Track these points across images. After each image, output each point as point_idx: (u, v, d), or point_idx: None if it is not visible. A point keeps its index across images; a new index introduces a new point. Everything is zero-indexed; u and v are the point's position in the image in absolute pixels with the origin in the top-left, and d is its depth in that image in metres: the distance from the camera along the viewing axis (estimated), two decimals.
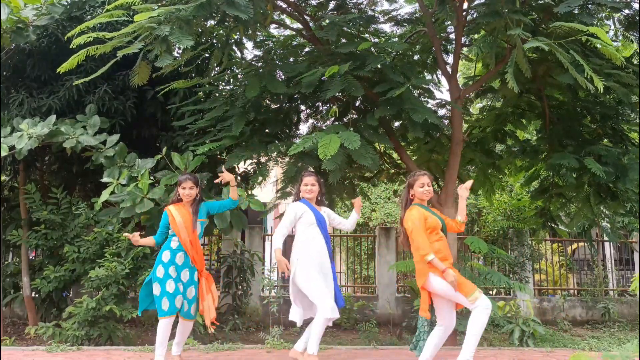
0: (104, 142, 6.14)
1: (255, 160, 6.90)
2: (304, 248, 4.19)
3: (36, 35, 6.49)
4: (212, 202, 4.65)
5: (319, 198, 4.39)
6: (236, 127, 5.78)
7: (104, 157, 6.06)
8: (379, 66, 5.52)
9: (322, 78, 5.53)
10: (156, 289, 4.23)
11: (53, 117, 6.11)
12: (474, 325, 3.81)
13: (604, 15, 6.50)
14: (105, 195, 5.80)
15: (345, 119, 6.41)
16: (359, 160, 5.17)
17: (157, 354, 4.23)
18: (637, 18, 6.18)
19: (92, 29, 5.08)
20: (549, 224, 7.83)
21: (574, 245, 11.76)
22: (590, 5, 5.56)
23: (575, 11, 5.70)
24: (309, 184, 4.32)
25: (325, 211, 4.43)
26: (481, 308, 3.81)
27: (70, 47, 4.76)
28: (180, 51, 6.51)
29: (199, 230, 4.38)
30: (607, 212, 7.57)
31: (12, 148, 5.80)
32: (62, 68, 4.87)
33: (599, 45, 4.54)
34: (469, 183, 4.24)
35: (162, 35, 4.42)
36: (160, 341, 4.22)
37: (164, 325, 4.20)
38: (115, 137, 6.20)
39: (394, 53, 6.61)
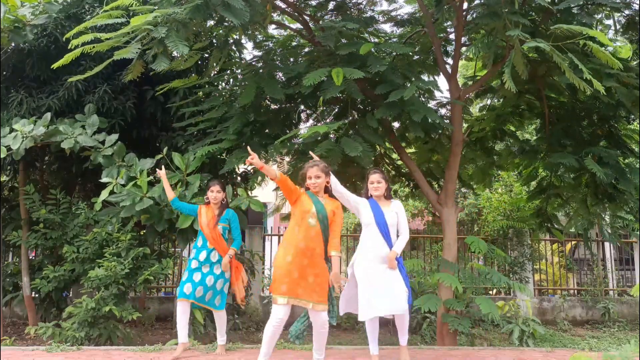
0: (103, 142, 6.14)
1: None
2: (360, 248, 4.32)
3: (34, 35, 6.43)
4: (236, 220, 5.06)
5: (385, 194, 4.38)
6: (232, 127, 5.78)
7: (102, 156, 6.05)
8: (378, 67, 5.51)
9: (322, 78, 5.51)
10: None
11: (48, 116, 6.08)
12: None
13: (603, 14, 6.48)
14: (104, 195, 5.80)
15: (345, 120, 6.40)
16: (350, 152, 5.21)
17: (179, 335, 4.85)
18: (637, 18, 6.17)
19: (90, 29, 5.08)
20: (546, 224, 7.83)
21: (569, 245, 11.74)
22: (590, 6, 5.54)
23: (575, 10, 5.68)
24: (375, 182, 4.34)
25: (395, 208, 4.35)
26: (271, 316, 3.85)
27: (69, 47, 4.76)
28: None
29: (221, 232, 4.92)
30: (605, 213, 7.56)
31: (10, 148, 5.80)
32: (58, 64, 4.89)
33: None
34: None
35: (159, 37, 4.44)
36: (178, 325, 4.82)
37: (177, 307, 4.80)
38: (114, 137, 6.19)
39: (394, 53, 6.59)
